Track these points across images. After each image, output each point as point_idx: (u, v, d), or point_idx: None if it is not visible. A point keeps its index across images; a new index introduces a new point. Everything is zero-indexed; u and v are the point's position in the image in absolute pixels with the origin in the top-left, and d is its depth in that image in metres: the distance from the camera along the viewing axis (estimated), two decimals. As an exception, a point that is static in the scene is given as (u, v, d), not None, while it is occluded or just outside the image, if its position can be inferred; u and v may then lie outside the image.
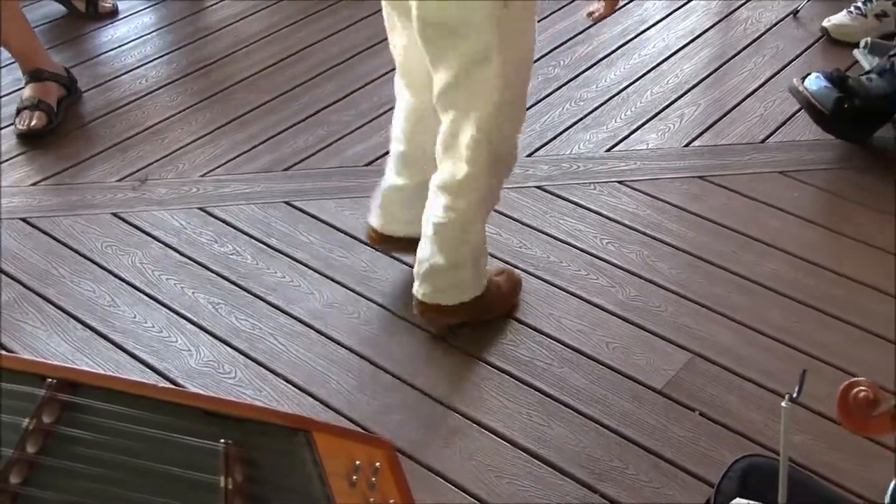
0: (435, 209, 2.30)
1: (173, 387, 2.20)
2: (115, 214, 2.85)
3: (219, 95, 3.33)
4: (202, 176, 2.99)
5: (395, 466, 1.14)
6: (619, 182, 2.89)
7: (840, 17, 3.42)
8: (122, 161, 3.06)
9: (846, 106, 2.86)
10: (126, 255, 2.71)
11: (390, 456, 1.14)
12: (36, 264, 2.69)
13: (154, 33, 3.68)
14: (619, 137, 3.06)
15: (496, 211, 2.75)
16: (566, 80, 3.31)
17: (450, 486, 2.12)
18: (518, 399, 2.30)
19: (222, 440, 1.16)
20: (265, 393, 2.33)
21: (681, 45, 3.47)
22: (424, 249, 2.34)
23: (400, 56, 2.33)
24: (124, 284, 2.62)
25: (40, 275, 2.65)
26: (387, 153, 3.02)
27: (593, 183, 2.88)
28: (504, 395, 2.32)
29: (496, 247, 2.64)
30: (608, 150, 3.02)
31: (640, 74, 3.33)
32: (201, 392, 2.17)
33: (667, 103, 3.19)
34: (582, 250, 2.67)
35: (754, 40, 3.47)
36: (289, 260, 2.68)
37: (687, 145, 3.03)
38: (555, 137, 3.07)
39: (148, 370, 2.38)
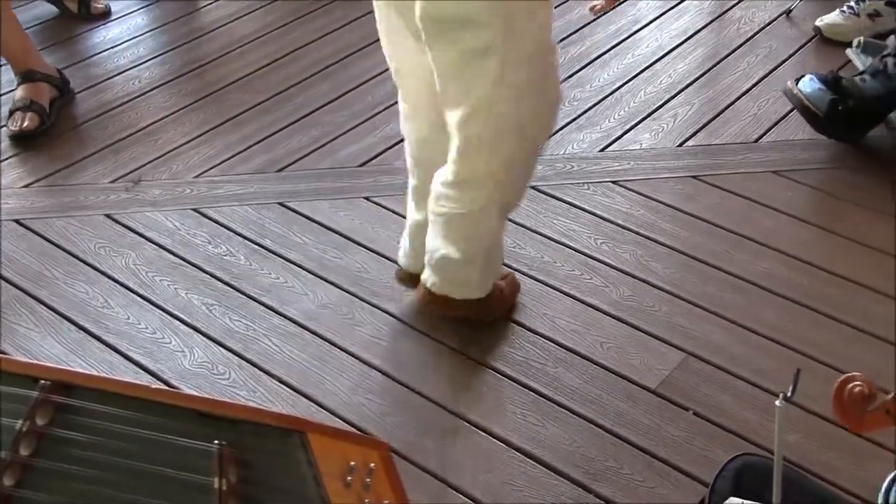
0: (438, 198, 2.26)
1: (167, 388, 2.20)
2: (108, 216, 2.85)
3: (212, 96, 3.33)
4: (196, 177, 2.99)
5: (389, 467, 1.14)
6: (613, 182, 2.89)
7: (833, 17, 3.43)
8: (115, 162, 3.05)
9: (840, 108, 2.87)
10: (119, 257, 2.71)
11: (385, 456, 1.14)
12: (29, 266, 2.68)
13: (147, 34, 3.68)
14: (613, 137, 3.06)
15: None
16: (560, 80, 3.30)
17: (444, 486, 2.12)
18: (512, 399, 2.30)
19: (216, 441, 1.16)
20: (259, 394, 2.32)
21: (674, 44, 3.47)
22: (431, 239, 2.32)
23: (402, 77, 2.30)
24: (118, 286, 2.62)
25: (33, 276, 2.65)
26: (382, 153, 3.04)
27: (587, 183, 2.88)
28: (498, 395, 2.32)
29: (490, 247, 2.64)
30: (602, 150, 3.02)
31: (634, 74, 3.33)
32: (195, 393, 2.17)
33: (660, 103, 3.20)
34: (576, 250, 2.67)
35: (747, 40, 3.47)
36: (283, 261, 2.68)
37: (680, 145, 3.03)
38: (549, 137, 3.06)
39: (142, 371, 2.38)
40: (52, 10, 3.74)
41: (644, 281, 2.58)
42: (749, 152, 2.99)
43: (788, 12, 3.57)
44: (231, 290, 2.60)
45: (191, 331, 2.49)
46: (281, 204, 2.87)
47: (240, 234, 2.77)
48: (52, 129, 3.18)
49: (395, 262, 2.61)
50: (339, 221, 2.80)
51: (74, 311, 2.54)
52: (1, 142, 3.13)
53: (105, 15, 3.75)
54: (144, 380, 2.33)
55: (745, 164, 2.95)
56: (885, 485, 1.38)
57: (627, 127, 3.10)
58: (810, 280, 2.56)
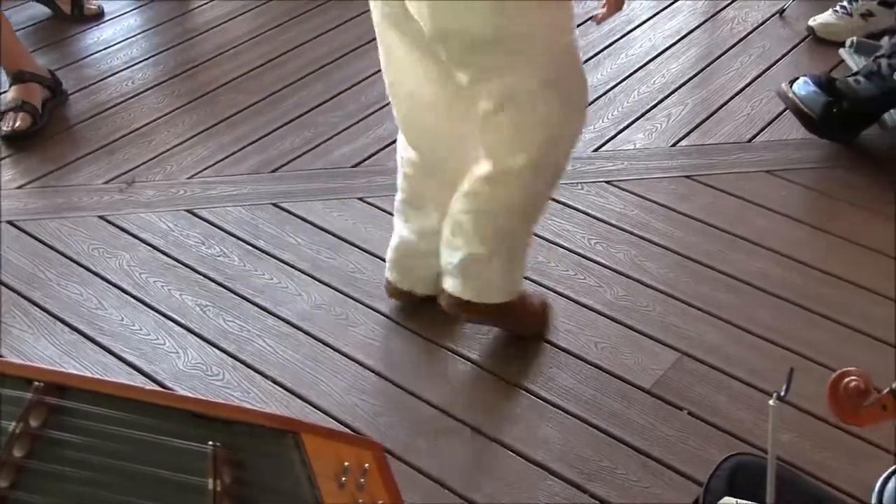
0: (467, 195, 2.20)
1: (161, 389, 2.19)
2: (101, 217, 2.85)
3: (206, 97, 3.33)
4: (189, 178, 2.99)
5: (383, 467, 1.14)
6: (607, 182, 2.89)
7: (826, 17, 3.43)
8: (108, 163, 3.05)
9: (835, 111, 2.87)
10: (113, 258, 2.70)
11: (379, 457, 1.14)
12: (22, 267, 2.68)
13: (140, 35, 3.67)
14: (607, 137, 3.06)
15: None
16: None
17: (439, 486, 2.12)
18: (506, 399, 2.30)
19: (210, 442, 1.16)
20: (253, 395, 2.32)
21: (667, 44, 3.47)
22: (452, 241, 2.26)
23: (406, 102, 2.25)
24: (111, 287, 2.61)
25: (27, 278, 2.64)
26: (375, 154, 3.04)
27: (581, 183, 2.88)
28: (492, 395, 2.32)
29: (484, 247, 2.63)
30: (595, 150, 3.02)
31: (627, 74, 3.33)
32: (189, 394, 2.17)
33: (654, 103, 3.20)
34: (570, 250, 2.67)
35: (741, 40, 3.48)
36: (276, 261, 2.68)
37: (674, 145, 3.04)
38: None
39: (135, 373, 2.38)
40: (45, 11, 3.74)
41: (638, 281, 2.58)
42: (742, 152, 3.00)
43: (781, 12, 3.57)
44: (225, 290, 2.59)
45: (185, 332, 2.48)
46: (274, 205, 2.87)
47: (233, 235, 2.77)
48: (45, 131, 3.18)
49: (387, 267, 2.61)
50: (333, 222, 2.79)
51: (68, 312, 2.54)
52: (-8, 144, 3.14)
53: (98, 16, 3.75)
54: (138, 381, 2.33)
55: (739, 163, 2.95)
56: (878, 484, 1.38)
57: (621, 127, 3.11)
58: (804, 280, 2.57)
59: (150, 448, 1.17)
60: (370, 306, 2.53)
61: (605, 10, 2.09)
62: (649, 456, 2.17)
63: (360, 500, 1.13)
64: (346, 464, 1.14)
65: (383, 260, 2.60)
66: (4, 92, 3.24)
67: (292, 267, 2.66)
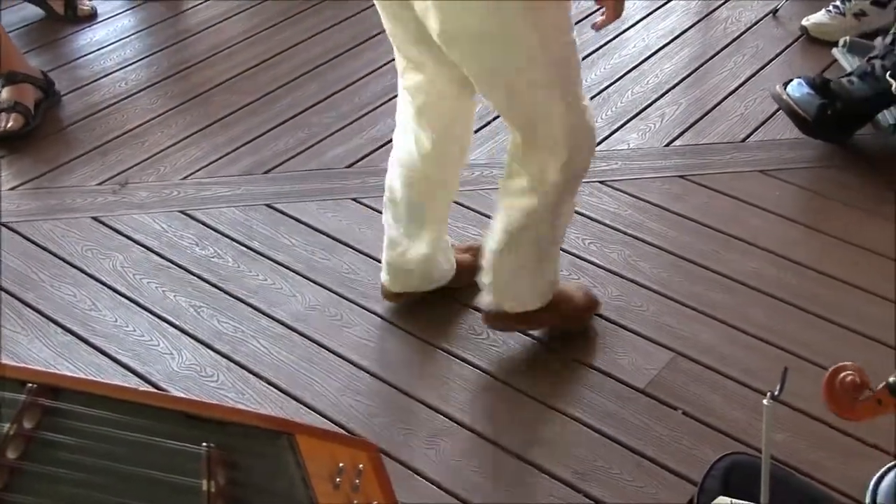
0: (508, 210, 2.23)
1: (155, 391, 2.19)
2: (95, 218, 2.84)
3: (199, 98, 3.32)
4: (183, 179, 2.98)
5: (378, 468, 1.14)
6: (601, 182, 2.89)
7: (819, 16, 3.44)
8: (101, 164, 3.05)
9: (829, 112, 2.88)
10: (107, 259, 2.70)
11: (374, 458, 1.15)
12: (16, 269, 2.67)
13: (134, 36, 3.67)
14: (601, 137, 3.06)
15: (478, 212, 2.76)
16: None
17: (434, 487, 2.12)
18: (501, 399, 2.30)
19: (204, 444, 1.16)
20: (247, 396, 2.32)
21: (661, 44, 3.48)
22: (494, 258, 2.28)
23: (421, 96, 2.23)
24: (105, 288, 2.61)
25: (20, 279, 2.64)
26: (369, 154, 3.04)
27: (575, 183, 2.88)
28: (487, 395, 2.32)
29: (478, 248, 2.63)
30: (589, 150, 3.02)
31: (621, 74, 3.34)
32: (183, 396, 2.17)
33: (647, 103, 3.20)
34: (563, 250, 2.66)
35: (734, 40, 3.48)
36: (270, 262, 2.68)
37: (668, 145, 3.04)
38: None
39: (130, 374, 2.37)
40: (38, 12, 3.73)
41: (632, 281, 2.58)
42: (736, 152, 3.00)
43: (775, 12, 3.58)
44: (219, 291, 2.59)
45: (179, 333, 2.48)
46: (268, 205, 2.87)
47: (227, 236, 2.76)
48: (38, 132, 3.17)
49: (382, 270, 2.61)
50: (327, 223, 2.79)
51: (61, 313, 2.54)
52: (-13, 145, 3.13)
53: (91, 17, 3.74)
54: (132, 382, 2.33)
55: (733, 163, 2.95)
56: (872, 483, 1.39)
57: (615, 127, 3.11)
58: (799, 279, 2.57)
59: (144, 449, 1.17)
60: (365, 307, 2.53)
61: (604, 16, 2.09)
62: (644, 456, 2.17)
63: (355, 501, 1.13)
64: (341, 465, 1.14)
65: (377, 261, 2.60)
66: (-3, 94, 3.24)
67: (286, 268, 2.65)
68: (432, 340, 2.44)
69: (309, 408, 2.29)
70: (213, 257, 2.70)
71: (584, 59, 3.39)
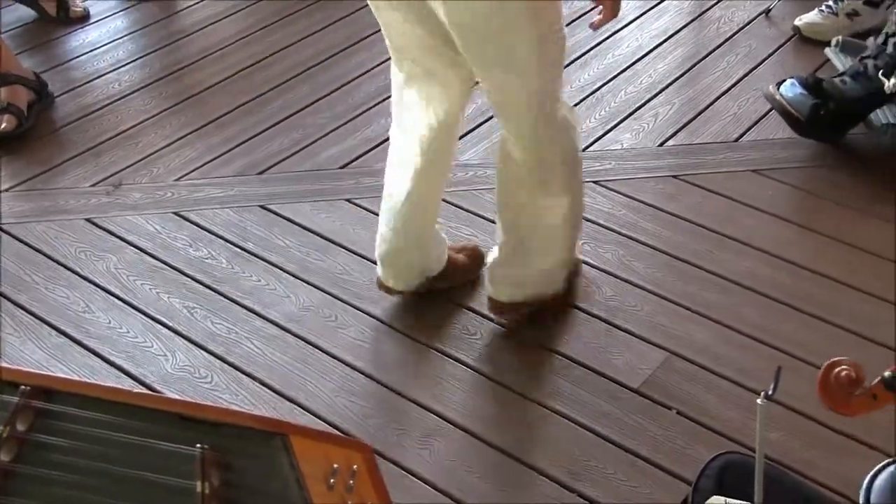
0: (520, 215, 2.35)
1: (149, 392, 2.19)
2: (88, 220, 2.84)
3: (193, 99, 3.32)
4: (176, 180, 2.98)
5: (372, 469, 1.14)
6: (595, 182, 2.90)
7: (811, 16, 3.44)
8: (95, 166, 3.04)
9: (822, 112, 2.88)
10: (100, 261, 2.70)
11: (368, 458, 1.14)
12: (9, 271, 2.67)
13: (127, 37, 3.66)
14: (594, 137, 3.07)
15: (472, 212, 2.76)
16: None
17: (428, 487, 2.12)
18: (495, 399, 2.30)
19: (198, 445, 1.16)
20: (242, 397, 2.32)
21: (654, 44, 3.48)
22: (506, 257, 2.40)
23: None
24: (99, 290, 2.61)
25: (13, 281, 2.63)
26: (363, 155, 3.04)
27: (568, 183, 2.88)
28: (481, 395, 2.32)
29: (472, 248, 2.63)
30: (583, 150, 3.01)
31: (614, 74, 3.34)
32: (177, 397, 2.17)
33: (641, 103, 3.20)
34: (558, 251, 2.67)
35: (727, 39, 3.49)
36: (264, 263, 2.67)
37: (661, 144, 3.04)
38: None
39: (123, 376, 2.37)
40: (30, 13, 3.73)
41: (626, 281, 2.59)
42: (729, 151, 3.00)
43: (767, 12, 3.58)
44: (213, 293, 2.59)
45: (172, 334, 2.48)
46: (262, 206, 2.87)
47: (221, 237, 2.76)
48: (32, 133, 3.17)
49: (376, 263, 2.61)
50: (321, 223, 2.79)
51: (55, 315, 2.53)
52: (-22, 147, 3.12)
53: (84, 18, 3.73)
54: (126, 384, 2.33)
55: (726, 163, 2.96)
56: (866, 481, 1.39)
57: (608, 127, 3.11)
58: (793, 279, 2.57)
59: (137, 451, 1.17)
60: (359, 308, 2.53)
61: (601, 16, 2.11)
62: (638, 455, 2.17)
63: (349, 502, 1.13)
64: (335, 466, 1.14)
65: (372, 261, 2.60)
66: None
67: (280, 269, 2.65)
68: (426, 341, 2.44)
69: (303, 409, 2.29)
70: (206, 259, 2.69)
71: (577, 59, 3.40)
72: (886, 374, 1.31)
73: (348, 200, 2.87)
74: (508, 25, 2.01)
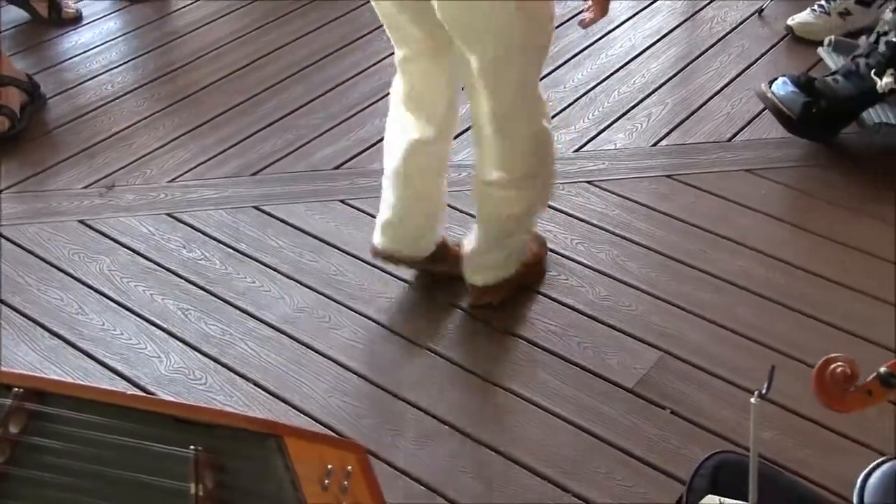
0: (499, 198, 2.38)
1: (143, 394, 2.19)
2: (81, 221, 2.83)
3: (186, 100, 3.32)
4: (170, 181, 2.98)
5: (367, 469, 1.14)
6: (588, 182, 2.90)
7: (804, 16, 3.45)
8: (88, 167, 3.04)
9: (814, 111, 2.89)
10: (94, 263, 2.69)
11: (362, 459, 1.14)
12: (2, 273, 2.66)
13: (119, 38, 3.66)
14: (587, 138, 3.07)
15: (465, 213, 2.76)
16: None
17: (422, 487, 2.12)
18: (489, 399, 2.30)
19: (192, 447, 1.15)
20: (236, 398, 2.32)
21: (647, 44, 3.48)
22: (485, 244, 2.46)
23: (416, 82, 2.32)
24: (92, 292, 2.60)
25: (6, 283, 2.63)
26: (357, 156, 3.04)
27: (562, 183, 2.88)
28: (476, 396, 2.32)
29: (466, 248, 2.63)
30: (576, 150, 3.03)
31: (608, 74, 3.34)
32: (171, 399, 2.17)
33: (634, 103, 3.21)
34: (551, 251, 2.67)
35: (720, 39, 3.49)
36: (258, 265, 2.67)
37: (655, 144, 3.04)
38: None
39: (117, 378, 2.37)
40: (22, 14, 3.72)
41: (620, 280, 2.59)
42: (723, 151, 3.00)
43: (760, 12, 3.59)
44: (206, 294, 2.59)
45: (166, 336, 2.47)
46: (256, 207, 2.86)
47: (215, 239, 2.76)
48: (24, 135, 3.16)
49: (370, 264, 2.61)
50: (315, 224, 2.79)
51: (48, 317, 2.53)
52: (-28, 149, 3.12)
53: (76, 20, 3.73)
54: (120, 386, 2.32)
55: (719, 162, 2.96)
56: (859, 480, 1.39)
57: (602, 127, 3.11)
58: (786, 278, 2.58)
59: (131, 453, 1.17)
60: (353, 309, 2.53)
61: (591, 14, 2.11)
62: (632, 455, 2.17)
63: (344, 503, 1.13)
64: (330, 466, 1.14)
65: (365, 262, 2.60)
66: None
67: (274, 270, 2.65)
68: (421, 342, 2.44)
69: (297, 410, 2.29)
70: (200, 260, 2.69)
71: (570, 59, 3.41)
72: (882, 370, 1.31)
73: (342, 201, 2.87)
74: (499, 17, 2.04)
